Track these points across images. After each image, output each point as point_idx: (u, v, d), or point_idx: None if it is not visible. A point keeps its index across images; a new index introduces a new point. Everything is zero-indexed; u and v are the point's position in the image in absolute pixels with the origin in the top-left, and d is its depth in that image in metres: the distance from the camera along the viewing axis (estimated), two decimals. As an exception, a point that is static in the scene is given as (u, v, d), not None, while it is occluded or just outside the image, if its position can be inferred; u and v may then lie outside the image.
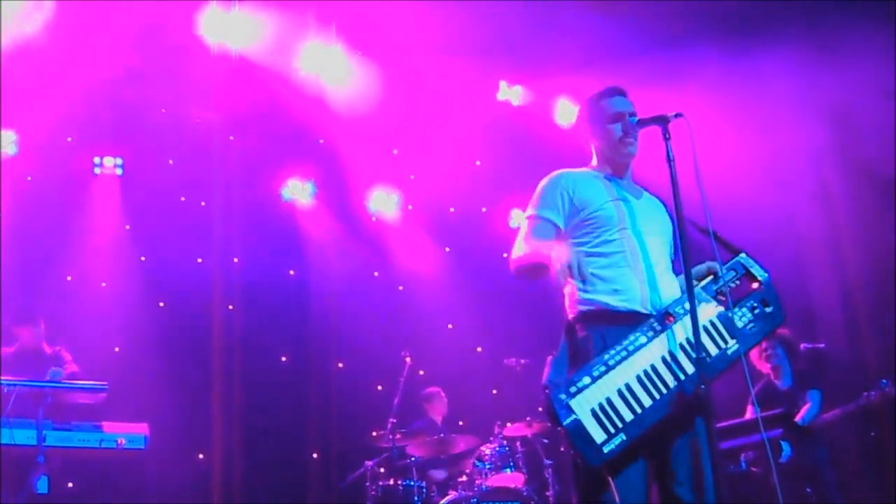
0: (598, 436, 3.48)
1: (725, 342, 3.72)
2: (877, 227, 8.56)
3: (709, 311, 3.76)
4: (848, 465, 7.84)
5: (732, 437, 6.75)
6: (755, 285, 3.90)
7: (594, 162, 4.17)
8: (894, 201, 8.54)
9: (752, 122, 9.06)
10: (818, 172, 9.14)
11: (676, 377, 3.61)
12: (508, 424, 8.33)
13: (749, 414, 7.39)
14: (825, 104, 8.65)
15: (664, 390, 3.58)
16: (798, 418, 7.16)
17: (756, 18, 8.85)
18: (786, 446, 6.94)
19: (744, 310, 3.83)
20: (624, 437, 3.49)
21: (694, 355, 3.53)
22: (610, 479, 3.54)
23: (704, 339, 3.63)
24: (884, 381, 7.00)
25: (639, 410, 3.54)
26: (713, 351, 3.69)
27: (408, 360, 8.60)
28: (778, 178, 9.04)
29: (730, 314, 3.77)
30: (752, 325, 3.81)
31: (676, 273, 3.92)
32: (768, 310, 3.84)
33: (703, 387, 3.46)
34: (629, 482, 3.57)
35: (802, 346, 7.50)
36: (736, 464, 7.02)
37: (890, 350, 7.89)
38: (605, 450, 3.47)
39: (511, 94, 10.49)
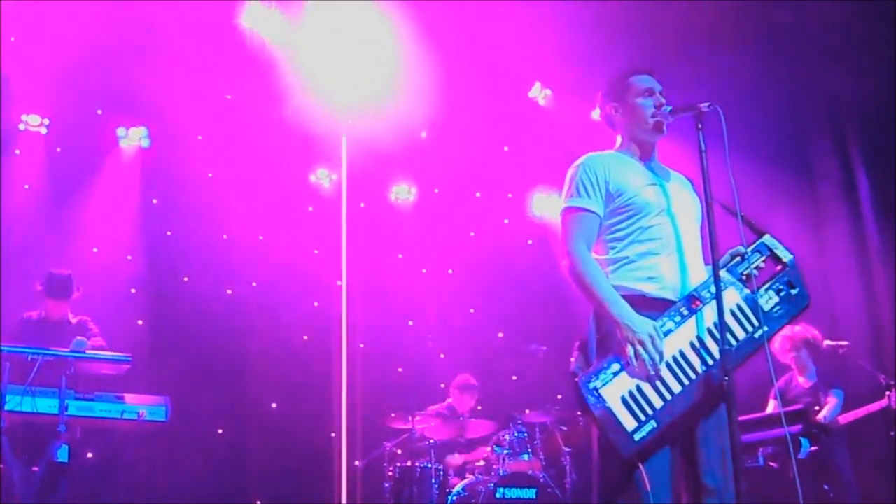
0: (629, 423, 3.44)
1: (753, 326, 3.66)
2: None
3: (735, 295, 3.69)
4: (867, 465, 7.79)
5: (751, 432, 6.73)
6: (780, 267, 3.81)
7: (619, 143, 4.03)
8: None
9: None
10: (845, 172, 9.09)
11: (705, 362, 3.56)
12: (528, 411, 8.34)
13: (770, 408, 7.38)
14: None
15: (693, 376, 3.54)
16: (820, 416, 7.13)
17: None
18: (805, 443, 6.90)
19: (770, 292, 3.74)
20: (655, 424, 3.45)
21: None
22: (641, 465, 3.48)
23: (732, 322, 3.58)
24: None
25: (668, 397, 3.49)
26: (740, 335, 3.63)
27: (430, 343, 8.60)
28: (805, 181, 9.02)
29: (756, 297, 3.70)
30: (778, 307, 3.73)
31: (706, 262, 3.81)
32: (794, 291, 3.76)
33: (727, 379, 3.41)
34: (657, 468, 3.52)
35: (825, 343, 7.45)
36: (754, 458, 7.00)
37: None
38: (636, 437, 3.43)
39: (541, 95, 10.43)
